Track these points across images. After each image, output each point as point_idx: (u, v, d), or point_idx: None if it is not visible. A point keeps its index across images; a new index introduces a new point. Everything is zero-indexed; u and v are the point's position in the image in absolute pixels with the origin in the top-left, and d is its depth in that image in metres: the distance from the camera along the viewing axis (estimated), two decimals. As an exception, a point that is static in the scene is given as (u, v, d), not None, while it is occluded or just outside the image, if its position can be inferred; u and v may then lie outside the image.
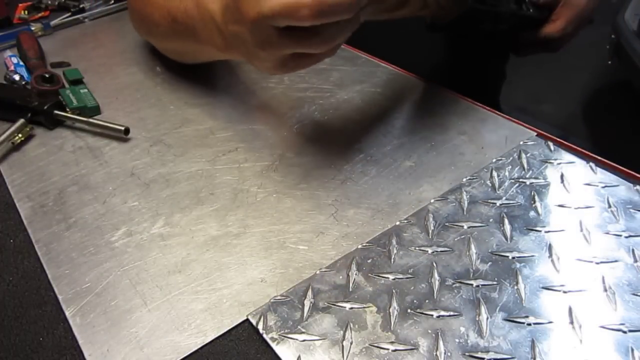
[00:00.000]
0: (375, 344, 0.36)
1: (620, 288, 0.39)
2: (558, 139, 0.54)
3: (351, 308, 0.39)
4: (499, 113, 0.58)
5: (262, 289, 0.41)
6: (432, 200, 0.48)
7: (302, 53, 0.43)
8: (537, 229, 0.44)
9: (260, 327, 0.38)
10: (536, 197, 0.47)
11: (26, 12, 0.90)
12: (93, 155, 0.56)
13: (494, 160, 0.52)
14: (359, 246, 0.44)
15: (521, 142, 0.54)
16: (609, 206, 0.46)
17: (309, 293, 0.40)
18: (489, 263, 0.41)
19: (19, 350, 0.38)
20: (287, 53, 0.43)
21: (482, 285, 0.40)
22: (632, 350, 0.35)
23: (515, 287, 0.39)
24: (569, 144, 0.53)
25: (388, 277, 0.41)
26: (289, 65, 0.44)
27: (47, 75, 0.66)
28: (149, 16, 0.63)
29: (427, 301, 0.39)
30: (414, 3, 0.54)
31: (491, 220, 0.45)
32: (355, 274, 0.41)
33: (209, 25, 0.49)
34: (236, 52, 0.48)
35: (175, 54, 0.68)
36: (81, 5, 0.89)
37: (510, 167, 0.51)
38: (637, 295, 0.38)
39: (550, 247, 0.42)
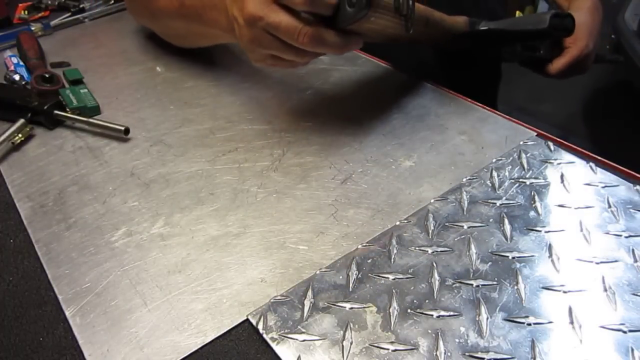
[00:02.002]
0: (375, 344, 0.36)
1: (620, 288, 0.39)
2: (558, 139, 0.54)
3: (351, 308, 0.39)
4: (499, 113, 0.58)
5: (262, 289, 0.41)
6: (432, 200, 0.48)
7: (280, 57, 0.50)
8: (537, 229, 0.44)
9: (260, 327, 0.38)
10: (536, 197, 0.47)
11: (26, 12, 0.91)
12: (93, 155, 0.56)
13: (494, 160, 0.52)
14: (359, 246, 0.44)
15: (521, 142, 0.54)
16: (609, 206, 0.46)
17: (309, 293, 0.40)
18: (489, 263, 0.41)
19: (19, 350, 0.38)
20: (269, 53, 0.50)
21: (482, 285, 0.40)
22: (632, 350, 0.35)
23: (515, 287, 0.39)
24: (569, 144, 0.53)
25: (388, 277, 0.41)
26: (267, 62, 0.52)
27: (47, 75, 0.66)
28: (154, 2, 0.66)
29: (427, 301, 0.39)
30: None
31: (491, 220, 0.45)
32: (355, 274, 0.41)
33: (218, 5, 0.54)
34: (234, 34, 0.53)
35: (176, 37, 0.71)
36: (81, 5, 0.89)
37: (510, 167, 0.51)
38: (637, 295, 0.38)
39: (550, 247, 0.42)
